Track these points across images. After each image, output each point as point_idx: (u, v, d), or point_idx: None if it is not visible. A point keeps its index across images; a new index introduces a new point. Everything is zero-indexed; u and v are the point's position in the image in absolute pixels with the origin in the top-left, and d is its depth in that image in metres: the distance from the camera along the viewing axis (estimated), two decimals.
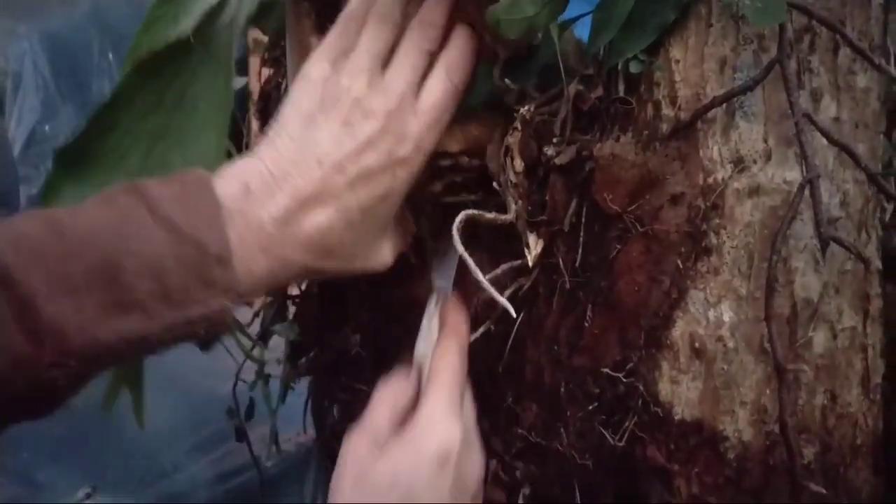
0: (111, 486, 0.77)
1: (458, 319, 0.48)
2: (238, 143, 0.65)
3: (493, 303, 0.48)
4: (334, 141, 0.42)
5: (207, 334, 0.40)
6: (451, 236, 0.45)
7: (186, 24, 0.47)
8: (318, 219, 0.42)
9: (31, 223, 0.38)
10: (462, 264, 0.47)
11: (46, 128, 1.26)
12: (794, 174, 0.43)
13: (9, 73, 1.20)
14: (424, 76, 0.46)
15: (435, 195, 0.51)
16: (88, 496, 0.76)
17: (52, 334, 0.36)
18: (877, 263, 0.47)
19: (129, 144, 0.48)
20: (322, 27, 0.50)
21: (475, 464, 0.44)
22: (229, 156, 0.50)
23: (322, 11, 0.50)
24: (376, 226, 0.46)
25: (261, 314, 0.71)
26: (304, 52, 0.50)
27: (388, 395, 0.44)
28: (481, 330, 0.53)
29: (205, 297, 0.38)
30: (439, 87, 0.45)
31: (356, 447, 0.42)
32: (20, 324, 0.35)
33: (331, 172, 0.42)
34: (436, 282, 0.52)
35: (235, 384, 0.73)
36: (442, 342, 0.46)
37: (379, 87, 0.44)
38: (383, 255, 0.48)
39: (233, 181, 0.41)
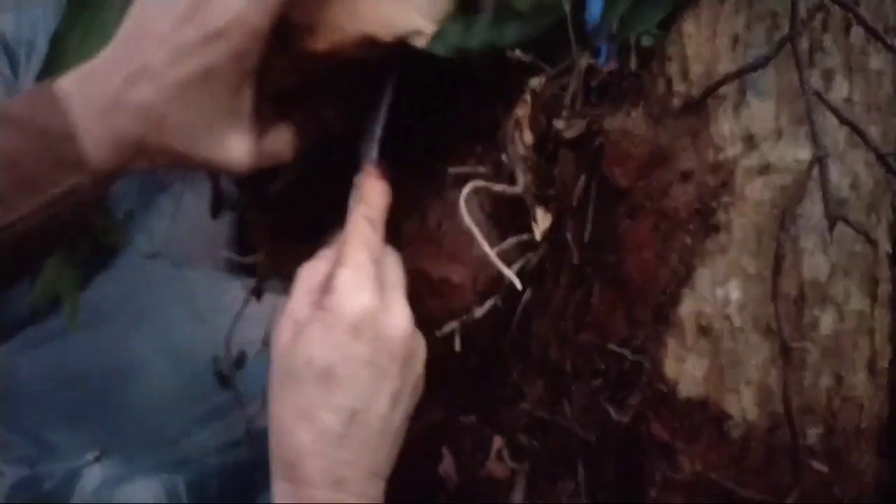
0: (119, 451, 0.78)
1: (373, 190, 0.48)
2: None
3: (499, 277, 0.48)
4: (161, 16, 0.43)
5: (70, 215, 0.42)
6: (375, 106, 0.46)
7: None
8: (142, 92, 0.42)
9: None
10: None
11: None
12: (805, 153, 0.42)
13: (22, 40, 1.20)
14: None
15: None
16: (97, 459, 0.78)
17: None
18: (886, 247, 0.46)
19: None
20: None
21: (395, 324, 0.43)
22: None
23: None
24: (208, 106, 0.43)
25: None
26: None
27: (306, 276, 0.44)
28: (488, 305, 0.53)
29: (58, 177, 0.40)
30: None
31: (280, 332, 0.42)
32: None
33: (153, 46, 0.42)
34: (361, 154, 0.51)
35: (229, 338, 0.73)
36: (354, 213, 0.46)
37: None
38: (231, 150, 0.45)
39: (77, 72, 0.43)
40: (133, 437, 0.80)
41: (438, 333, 0.52)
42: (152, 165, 0.44)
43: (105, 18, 0.50)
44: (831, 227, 0.39)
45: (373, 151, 0.51)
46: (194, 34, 0.42)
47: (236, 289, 0.79)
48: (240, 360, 0.78)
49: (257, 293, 0.74)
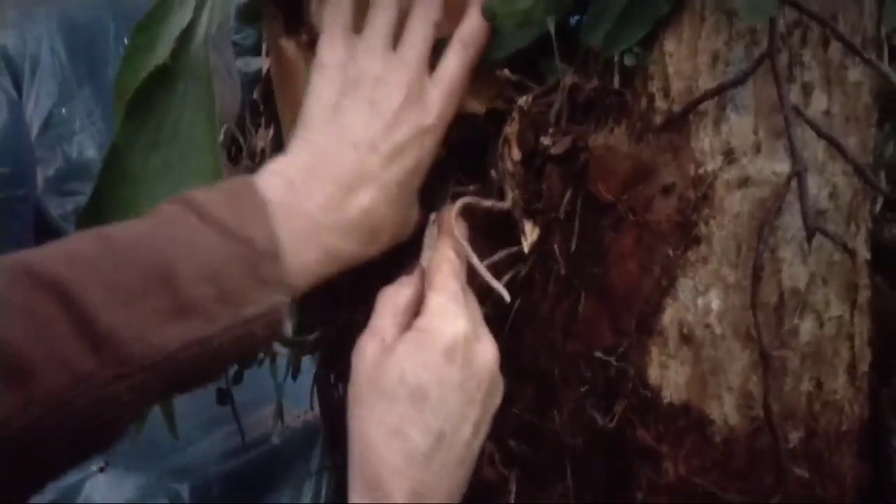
0: (123, 460, 0.80)
1: (454, 224, 0.49)
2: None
3: (490, 287, 0.49)
4: (363, 123, 0.44)
5: (265, 333, 0.40)
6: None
7: (163, 50, 0.47)
8: (362, 201, 0.43)
9: (82, 240, 0.38)
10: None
11: (63, 111, 1.28)
12: (784, 166, 0.44)
13: (26, 56, 1.22)
14: (437, 47, 0.47)
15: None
16: (102, 469, 0.79)
17: (111, 345, 0.35)
18: (865, 254, 0.48)
19: (138, 190, 0.48)
20: (291, 27, 0.51)
21: (484, 354, 0.44)
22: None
23: (290, 12, 0.52)
24: (411, 198, 0.47)
25: None
26: (278, 53, 0.51)
27: (391, 298, 0.45)
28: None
29: (259, 295, 0.39)
30: (455, 57, 0.47)
31: (364, 351, 0.42)
32: (80, 338, 0.35)
33: (366, 153, 0.43)
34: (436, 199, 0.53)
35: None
36: (439, 244, 0.48)
37: (394, 62, 0.46)
38: (412, 224, 0.49)
39: (274, 178, 0.42)
40: (136, 446, 0.81)
41: None
42: (351, 266, 0.45)
43: (171, 131, 0.47)
44: (809, 239, 0.40)
45: (446, 193, 0.53)
46: (409, 133, 0.44)
47: None
48: (238, 376, 0.80)
49: None
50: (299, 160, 0.43)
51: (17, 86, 1.21)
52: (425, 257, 0.49)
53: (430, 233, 0.50)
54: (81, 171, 1.28)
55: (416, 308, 0.45)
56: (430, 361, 0.41)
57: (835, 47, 0.45)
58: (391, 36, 0.47)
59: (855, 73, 0.46)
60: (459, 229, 0.49)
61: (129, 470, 0.80)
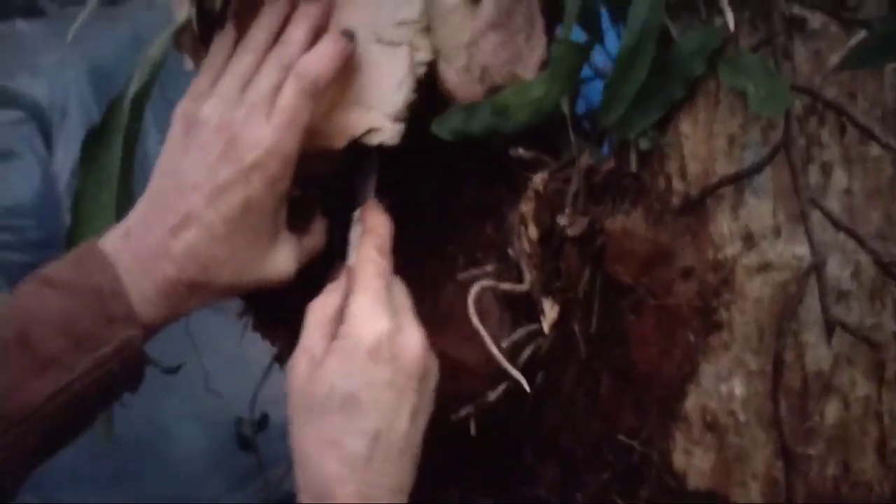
0: None
1: (376, 220, 0.49)
2: None
3: (512, 360, 0.49)
4: (193, 166, 0.45)
5: (124, 370, 0.43)
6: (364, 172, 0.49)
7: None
8: (185, 237, 0.44)
9: None
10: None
11: None
12: (804, 249, 0.43)
13: (56, 106, 1.25)
14: None
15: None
16: None
17: None
18: (892, 327, 0.47)
19: (89, 228, 0.53)
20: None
21: (410, 343, 0.44)
22: None
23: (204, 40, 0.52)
24: (251, 235, 0.46)
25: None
26: None
27: (317, 311, 0.45)
28: (501, 388, 0.54)
29: (110, 334, 0.42)
30: (290, 90, 0.45)
31: (296, 370, 0.43)
32: None
33: (190, 194, 0.44)
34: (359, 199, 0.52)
35: (254, 401, 0.74)
36: (362, 244, 0.47)
37: (235, 105, 0.45)
38: (278, 263, 0.47)
39: (114, 233, 0.46)
40: (168, 500, 0.82)
41: (454, 417, 0.54)
42: (203, 304, 0.46)
43: (110, 172, 0.52)
44: (829, 333, 0.39)
45: (370, 192, 0.52)
46: (230, 172, 0.44)
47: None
48: (262, 422, 0.80)
49: (279, 360, 0.76)
50: (138, 212, 0.46)
51: (47, 136, 1.24)
52: (351, 257, 0.48)
53: (355, 232, 0.49)
54: None
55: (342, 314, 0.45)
56: (356, 367, 0.42)
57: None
58: (243, 82, 0.46)
59: (876, 148, 0.45)
60: (382, 225, 0.49)
61: None
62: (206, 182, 0.44)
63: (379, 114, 0.49)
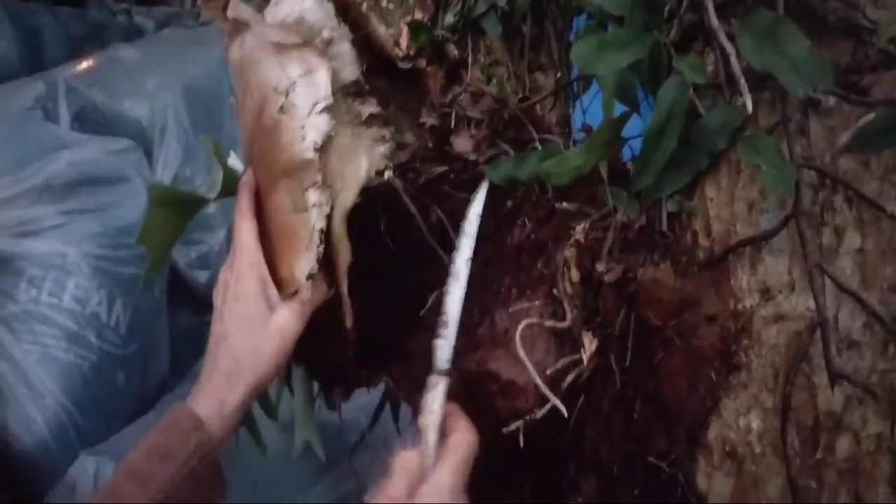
0: None
1: (465, 440, 0.56)
2: None
3: (558, 382, 0.56)
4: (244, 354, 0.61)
5: (201, 467, 0.57)
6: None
7: None
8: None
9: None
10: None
11: (187, 170, 1.44)
12: None
13: (156, 126, 1.38)
14: None
15: None
16: None
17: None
18: None
19: None
20: None
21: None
22: None
23: None
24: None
25: None
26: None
27: (409, 474, 0.53)
28: (547, 407, 0.61)
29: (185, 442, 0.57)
30: None
31: None
32: None
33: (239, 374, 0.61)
34: (436, 359, 0.59)
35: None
36: (451, 454, 0.55)
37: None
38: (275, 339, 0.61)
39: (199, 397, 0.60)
40: (250, 497, 0.92)
41: (505, 430, 0.61)
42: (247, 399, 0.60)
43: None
44: (832, 384, 0.45)
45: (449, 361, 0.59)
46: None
47: None
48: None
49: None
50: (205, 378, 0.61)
51: (149, 154, 1.37)
52: (426, 420, 0.56)
53: (433, 389, 0.56)
54: (203, 223, 1.43)
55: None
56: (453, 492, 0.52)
57: (868, 187, 0.49)
58: None
59: (891, 207, 0.50)
60: (522, 349, 0.56)
61: None
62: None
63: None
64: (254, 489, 0.92)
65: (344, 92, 0.63)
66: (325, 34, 0.64)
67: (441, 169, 0.68)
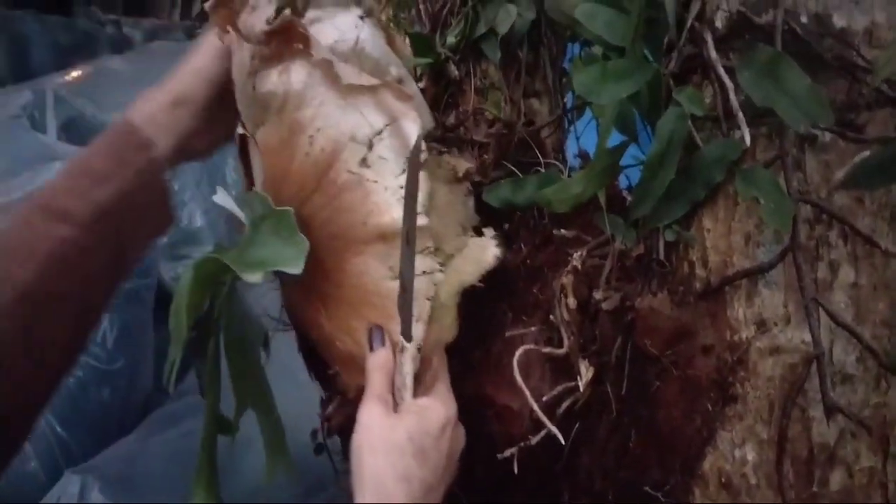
0: None
1: (432, 404, 0.55)
2: None
3: (553, 407, 0.56)
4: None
5: (154, 181, 0.58)
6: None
7: None
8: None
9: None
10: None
11: (176, 185, 1.43)
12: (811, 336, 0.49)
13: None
14: None
15: None
16: None
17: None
18: None
19: None
20: None
21: (461, 438, 0.55)
22: None
23: None
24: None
25: None
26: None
27: (382, 366, 0.54)
28: (542, 434, 0.61)
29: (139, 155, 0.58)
30: None
31: (372, 412, 0.52)
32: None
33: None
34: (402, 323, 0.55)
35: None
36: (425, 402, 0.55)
37: None
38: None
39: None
40: None
41: (500, 456, 0.61)
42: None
43: None
44: (828, 417, 0.45)
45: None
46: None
47: None
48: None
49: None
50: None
51: None
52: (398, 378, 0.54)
53: (404, 357, 0.54)
54: (191, 238, 1.42)
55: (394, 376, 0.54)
56: (430, 430, 0.52)
57: (862, 223, 0.50)
58: None
59: (885, 242, 0.50)
60: (519, 376, 0.56)
61: None
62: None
63: None
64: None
65: (427, 141, 0.56)
66: (394, 72, 0.57)
67: None
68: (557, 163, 0.68)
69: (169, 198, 0.61)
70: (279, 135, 0.55)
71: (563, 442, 0.53)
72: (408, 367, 0.53)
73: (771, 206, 0.45)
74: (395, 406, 0.53)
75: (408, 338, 0.53)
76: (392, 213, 0.51)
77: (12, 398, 0.53)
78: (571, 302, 0.57)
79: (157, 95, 0.61)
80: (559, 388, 0.59)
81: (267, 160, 0.56)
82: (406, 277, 0.51)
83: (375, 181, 0.51)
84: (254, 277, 0.50)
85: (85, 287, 0.55)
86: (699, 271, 0.52)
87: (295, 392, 0.95)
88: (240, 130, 0.59)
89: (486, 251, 0.55)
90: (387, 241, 0.51)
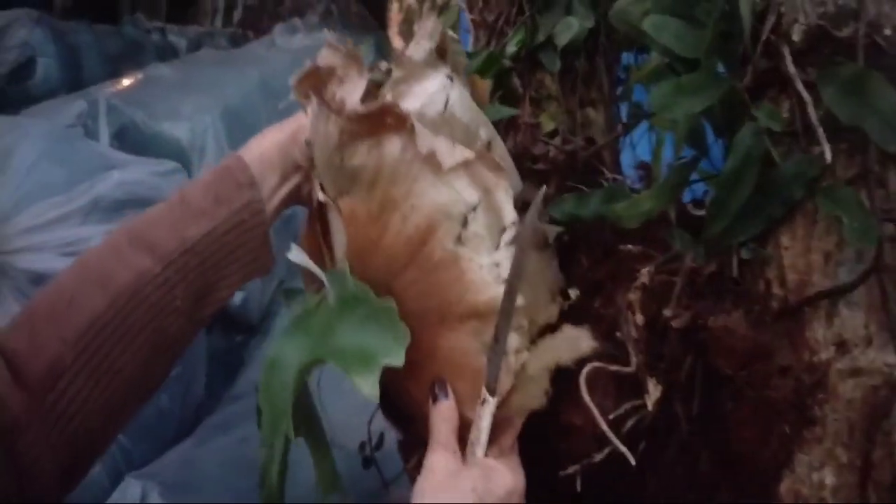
0: None
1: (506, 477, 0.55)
2: None
3: (618, 424, 0.55)
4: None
5: (251, 218, 0.58)
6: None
7: None
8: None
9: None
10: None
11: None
12: (894, 358, 0.47)
13: (195, 146, 1.40)
14: None
15: None
16: None
17: (154, 247, 0.55)
18: None
19: None
20: None
21: None
22: None
23: None
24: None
25: None
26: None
27: (450, 418, 0.54)
28: (606, 451, 0.60)
29: (239, 194, 0.58)
30: None
31: (437, 460, 0.52)
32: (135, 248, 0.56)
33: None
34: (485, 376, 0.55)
35: (371, 418, 0.83)
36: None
37: None
38: None
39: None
40: None
41: (562, 473, 0.60)
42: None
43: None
44: None
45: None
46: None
47: None
48: (380, 443, 0.89)
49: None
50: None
51: (189, 173, 1.38)
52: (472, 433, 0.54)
53: (483, 411, 0.54)
54: None
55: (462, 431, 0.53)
56: (493, 490, 0.51)
57: None
58: None
59: None
60: (587, 394, 0.55)
61: None
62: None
63: None
64: None
65: (518, 207, 0.54)
66: (483, 135, 0.56)
67: None
68: (618, 176, 0.67)
69: (267, 240, 0.60)
70: (368, 208, 0.54)
71: (632, 461, 0.52)
72: (485, 422, 0.53)
73: (854, 224, 0.44)
74: (464, 459, 0.53)
75: (492, 392, 0.52)
76: (489, 292, 0.51)
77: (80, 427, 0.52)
78: (639, 319, 0.57)
79: (274, 134, 0.61)
80: (626, 406, 0.58)
81: (352, 230, 0.55)
82: (501, 329, 0.51)
83: (471, 259, 0.51)
84: (366, 388, 0.49)
85: (159, 322, 0.54)
86: (776, 290, 0.51)
87: (339, 401, 0.96)
88: (320, 196, 0.57)
89: (581, 341, 0.55)
90: (482, 318, 0.51)
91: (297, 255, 0.55)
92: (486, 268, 0.51)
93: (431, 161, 0.51)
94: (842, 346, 0.48)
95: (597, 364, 0.56)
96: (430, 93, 0.55)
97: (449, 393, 0.55)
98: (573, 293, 0.58)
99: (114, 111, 1.42)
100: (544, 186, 0.55)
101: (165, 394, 1.06)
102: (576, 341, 0.55)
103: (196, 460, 0.94)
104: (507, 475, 0.53)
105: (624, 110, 0.81)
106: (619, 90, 0.81)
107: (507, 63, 0.72)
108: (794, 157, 0.49)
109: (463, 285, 0.51)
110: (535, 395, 0.54)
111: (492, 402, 0.52)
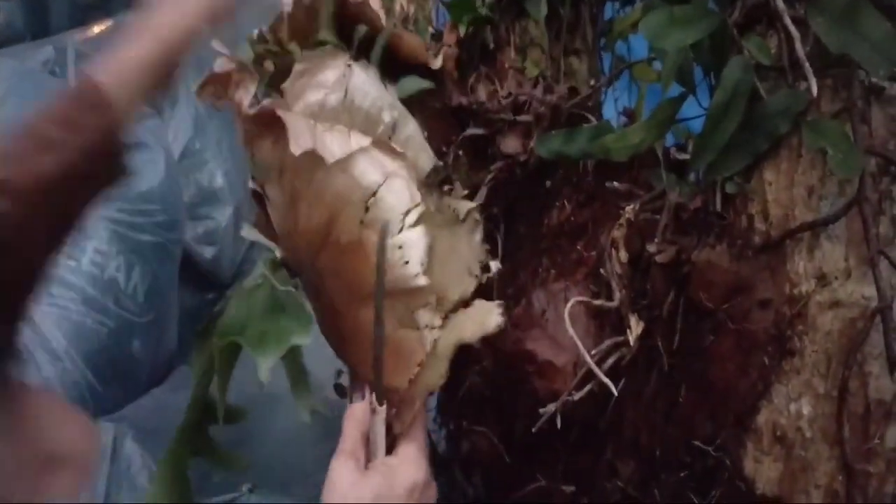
0: (267, 484, 0.91)
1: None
2: None
3: (600, 363, 0.56)
4: None
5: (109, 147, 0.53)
6: None
7: None
8: None
9: None
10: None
11: (196, 143, 1.42)
12: (872, 290, 0.48)
13: (167, 98, 1.36)
14: None
15: None
16: (251, 490, 0.90)
17: None
18: None
19: None
20: None
21: (431, 496, 0.54)
22: None
23: None
24: None
25: None
26: None
27: (357, 423, 0.54)
28: (586, 388, 0.61)
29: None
30: None
31: (341, 468, 0.52)
32: None
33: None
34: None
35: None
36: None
37: None
38: None
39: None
40: (277, 470, 0.91)
41: (542, 411, 0.61)
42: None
43: None
44: (892, 370, 0.45)
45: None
46: None
47: None
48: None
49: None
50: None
51: (161, 120, 1.35)
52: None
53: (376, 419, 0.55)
54: (211, 198, 1.41)
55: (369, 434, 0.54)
56: (395, 492, 0.52)
57: None
58: None
59: None
60: (571, 327, 0.55)
61: (274, 493, 0.91)
62: None
63: None
64: (269, 468, 0.92)
65: (427, 186, 0.56)
66: (386, 117, 0.57)
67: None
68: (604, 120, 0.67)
69: (122, 155, 0.55)
70: (282, 198, 0.56)
71: (615, 393, 0.53)
72: (379, 428, 0.54)
73: (839, 156, 0.44)
74: (368, 461, 0.53)
75: (380, 402, 0.53)
76: (394, 272, 0.52)
77: None
78: (623, 255, 0.57)
79: (129, 52, 0.56)
80: (608, 343, 0.58)
81: (276, 215, 0.58)
82: (377, 348, 0.52)
83: (374, 242, 0.52)
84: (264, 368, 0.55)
85: (19, 265, 0.50)
86: (759, 225, 0.51)
87: (317, 350, 0.95)
88: (251, 185, 0.59)
89: (489, 317, 0.54)
90: (392, 296, 0.52)
91: (249, 231, 0.58)
92: (391, 248, 0.52)
93: (313, 156, 0.52)
94: (822, 279, 0.49)
95: (580, 299, 0.57)
96: (331, 83, 0.56)
97: (365, 395, 0.55)
98: (494, 266, 0.57)
99: (83, 58, 1.38)
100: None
101: (137, 339, 1.05)
102: (485, 316, 0.55)
103: (170, 407, 0.93)
104: (408, 471, 0.53)
105: (608, 63, 0.81)
106: (603, 42, 0.81)
107: (483, 11, 0.71)
108: (780, 92, 0.49)
109: (369, 267, 0.52)
110: (437, 375, 0.54)
111: (381, 411, 0.54)
